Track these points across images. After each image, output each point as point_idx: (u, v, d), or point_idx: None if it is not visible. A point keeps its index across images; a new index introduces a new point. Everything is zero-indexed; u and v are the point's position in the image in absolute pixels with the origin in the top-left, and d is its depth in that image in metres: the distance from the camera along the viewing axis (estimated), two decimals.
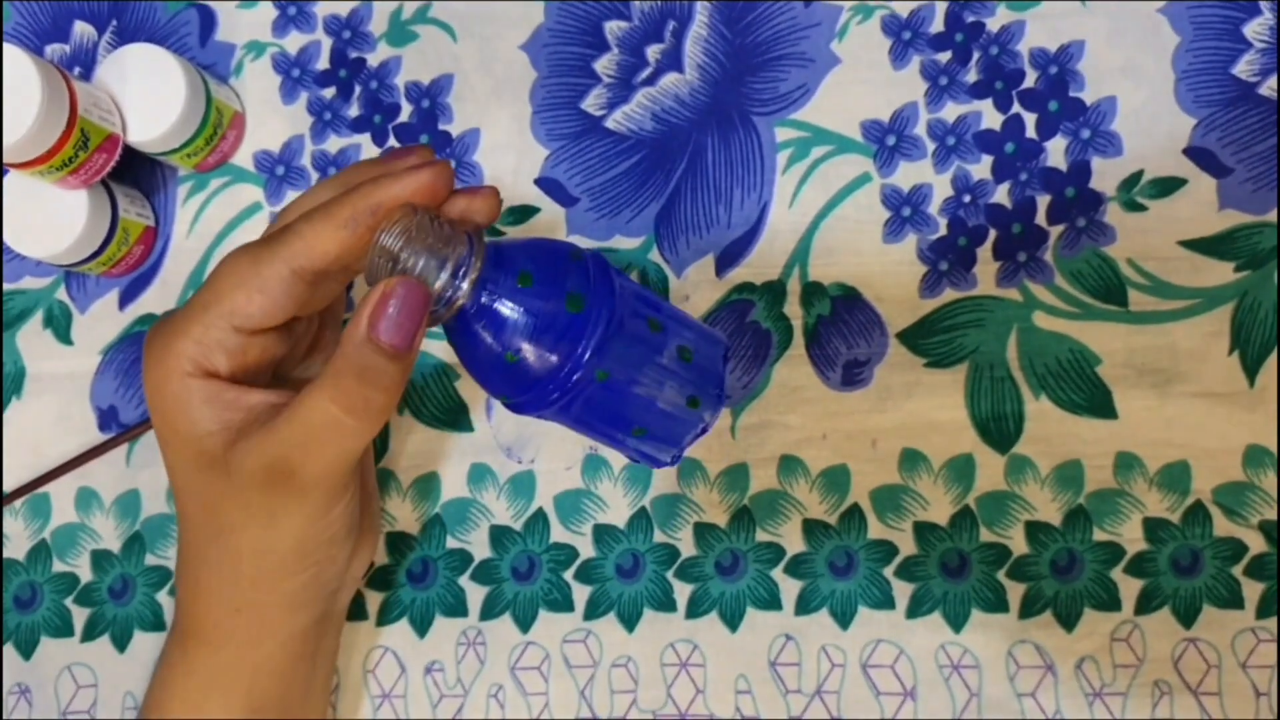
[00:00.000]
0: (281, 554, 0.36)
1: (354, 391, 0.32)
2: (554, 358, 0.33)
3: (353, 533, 0.38)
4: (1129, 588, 0.40)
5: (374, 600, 0.46)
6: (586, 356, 0.33)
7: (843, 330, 0.43)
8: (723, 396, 0.38)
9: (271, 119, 0.50)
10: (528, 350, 0.33)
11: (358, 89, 0.49)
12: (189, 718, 0.38)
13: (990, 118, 0.43)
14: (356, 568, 0.41)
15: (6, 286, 0.52)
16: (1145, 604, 0.40)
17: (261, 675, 0.39)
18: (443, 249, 0.32)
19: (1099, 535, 0.41)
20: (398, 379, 0.33)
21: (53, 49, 0.53)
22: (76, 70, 0.53)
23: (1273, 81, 0.41)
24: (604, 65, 0.47)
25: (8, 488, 0.50)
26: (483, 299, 0.33)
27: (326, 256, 0.33)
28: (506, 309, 0.33)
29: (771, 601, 0.43)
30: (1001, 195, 0.43)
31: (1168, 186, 0.41)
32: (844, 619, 0.42)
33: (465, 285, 0.32)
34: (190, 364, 0.35)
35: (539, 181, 0.47)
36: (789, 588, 0.43)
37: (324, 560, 0.38)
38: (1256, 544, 0.39)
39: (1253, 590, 0.39)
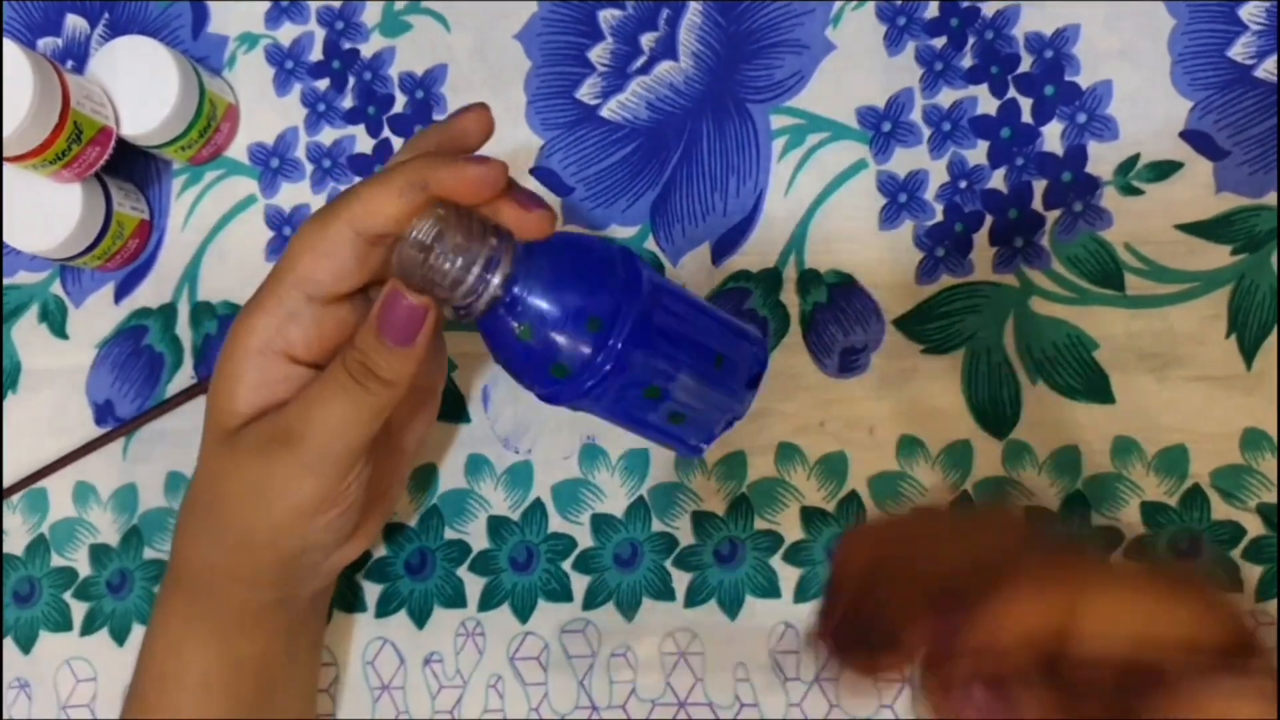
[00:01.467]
0: (264, 529, 0.36)
1: (359, 372, 0.34)
2: (585, 350, 0.33)
3: (343, 528, 0.38)
4: None
5: (372, 592, 0.46)
6: (618, 347, 0.33)
7: (839, 317, 0.43)
8: (755, 385, 0.38)
9: (265, 111, 0.50)
10: (559, 343, 0.33)
11: (351, 80, 0.49)
12: (168, 656, 0.39)
13: (986, 103, 0.43)
14: (336, 561, 0.41)
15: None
16: None
17: (236, 635, 0.39)
18: (472, 247, 0.32)
19: (1097, 520, 0.41)
20: (399, 370, 0.34)
21: (45, 42, 0.53)
22: (69, 63, 0.52)
23: (1269, 63, 0.41)
24: (598, 54, 0.47)
25: (5, 483, 0.50)
26: (512, 295, 0.33)
27: (386, 220, 0.33)
28: (536, 304, 0.33)
29: (770, 589, 0.43)
30: (998, 180, 0.43)
31: (1164, 170, 0.41)
32: None
33: (495, 281, 0.32)
34: (260, 339, 0.35)
35: (534, 171, 0.47)
36: (788, 575, 0.43)
37: (304, 544, 0.37)
38: (1255, 527, 0.39)
39: (1251, 573, 0.39)
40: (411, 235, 0.32)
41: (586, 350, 0.33)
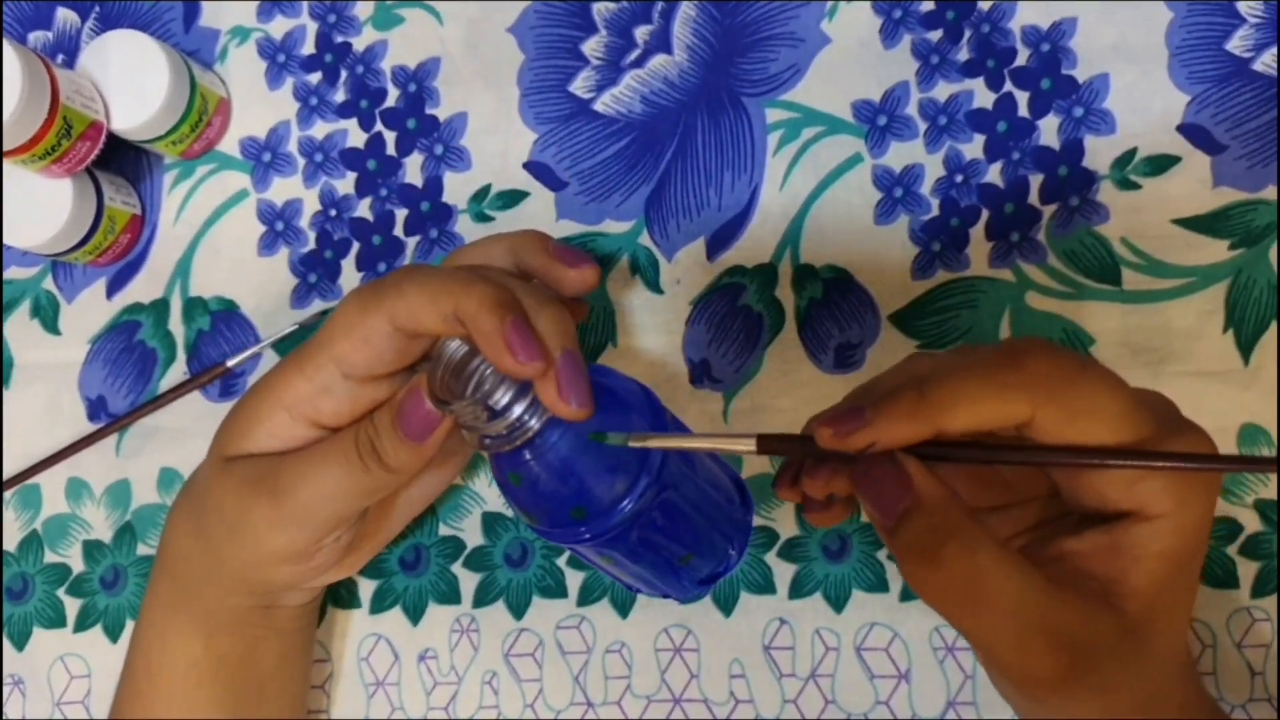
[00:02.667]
0: (233, 556, 0.36)
1: (366, 451, 0.34)
2: (591, 509, 0.33)
3: (313, 576, 0.38)
4: None
5: (367, 588, 0.46)
6: (627, 510, 0.33)
7: (835, 313, 0.43)
8: (742, 546, 0.40)
9: (257, 105, 0.50)
10: (581, 490, 0.33)
11: (344, 74, 0.49)
12: (155, 644, 0.39)
13: (982, 96, 0.43)
14: (317, 584, 0.41)
15: None
16: None
17: (216, 631, 0.39)
18: (515, 393, 0.32)
19: None
20: (405, 461, 0.34)
21: (35, 36, 0.53)
22: (60, 58, 0.52)
23: (1267, 56, 0.41)
24: (592, 47, 0.47)
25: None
26: (545, 441, 0.32)
27: (425, 329, 0.33)
28: (566, 454, 0.33)
29: (765, 585, 0.43)
30: (994, 175, 0.43)
31: (1161, 164, 0.41)
32: (838, 602, 0.42)
33: (534, 426, 0.32)
34: (292, 398, 0.35)
35: (527, 165, 0.47)
36: (783, 572, 0.42)
37: (273, 580, 0.38)
38: (1252, 523, 0.39)
39: (1248, 569, 0.39)
40: (451, 347, 0.32)
41: (591, 510, 0.33)
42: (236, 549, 0.36)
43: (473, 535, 0.45)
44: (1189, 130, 0.41)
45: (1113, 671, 0.29)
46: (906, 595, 0.41)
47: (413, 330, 0.33)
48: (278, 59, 0.50)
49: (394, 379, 0.36)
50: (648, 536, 0.35)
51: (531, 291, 0.33)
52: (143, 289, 0.50)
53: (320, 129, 0.49)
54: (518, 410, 0.32)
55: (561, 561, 0.44)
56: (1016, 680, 0.30)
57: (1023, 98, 0.43)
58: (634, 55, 0.46)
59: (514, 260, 0.37)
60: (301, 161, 0.49)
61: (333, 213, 0.48)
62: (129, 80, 0.46)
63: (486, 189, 0.47)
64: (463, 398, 0.32)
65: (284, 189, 0.49)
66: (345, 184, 0.48)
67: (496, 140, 0.47)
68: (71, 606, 0.49)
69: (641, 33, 0.46)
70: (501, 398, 0.32)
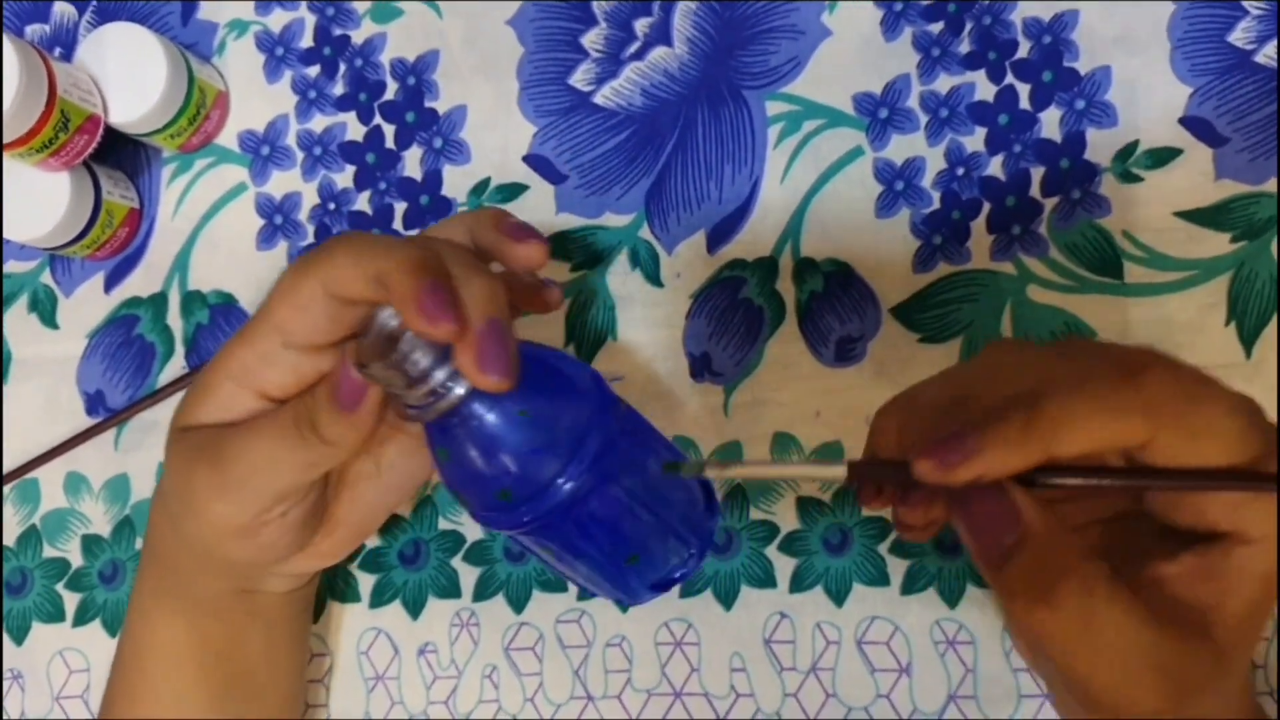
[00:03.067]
0: (191, 531, 0.36)
1: (303, 423, 0.33)
2: (516, 492, 0.32)
3: (268, 557, 0.37)
4: None
5: (366, 582, 0.46)
6: (556, 497, 0.32)
7: (836, 306, 0.43)
8: (702, 551, 0.38)
9: (255, 98, 0.50)
10: (508, 470, 0.32)
11: (342, 67, 0.49)
12: (142, 627, 0.39)
13: (983, 89, 0.43)
14: (294, 571, 0.40)
15: None
16: None
17: (200, 616, 0.39)
18: (438, 351, 0.31)
19: None
20: (340, 434, 0.33)
21: (33, 29, 0.52)
22: (57, 51, 0.52)
23: (1269, 48, 0.40)
24: (592, 40, 0.46)
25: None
26: (471, 409, 0.31)
27: (353, 295, 0.32)
28: (494, 425, 0.31)
29: (766, 579, 0.42)
30: (995, 168, 0.42)
31: (1163, 157, 0.41)
32: (839, 596, 0.42)
33: (458, 391, 0.31)
34: (238, 368, 0.34)
35: (527, 158, 0.46)
36: (783, 565, 0.42)
37: (231, 556, 0.37)
38: None
39: None
40: (381, 317, 0.32)
41: (532, 485, 0.32)
42: (188, 521, 0.36)
43: (472, 529, 0.45)
44: (1191, 123, 0.41)
45: (1207, 700, 0.28)
46: (907, 589, 0.41)
47: (342, 295, 0.32)
48: (276, 52, 0.50)
49: (338, 350, 0.35)
50: (586, 529, 0.34)
51: (467, 262, 0.32)
52: (141, 283, 0.50)
53: (319, 122, 0.49)
54: (438, 377, 0.31)
55: None
56: (1113, 713, 0.28)
57: (1024, 90, 0.42)
58: (634, 48, 0.46)
59: (471, 238, 0.37)
60: (300, 155, 0.49)
61: (331, 206, 0.48)
62: (127, 73, 0.46)
63: (486, 182, 0.47)
64: (400, 369, 0.31)
65: (283, 182, 0.49)
66: (344, 177, 0.48)
67: (496, 133, 0.47)
68: (70, 601, 0.49)
69: (641, 25, 0.46)
70: (419, 361, 0.30)
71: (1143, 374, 0.27)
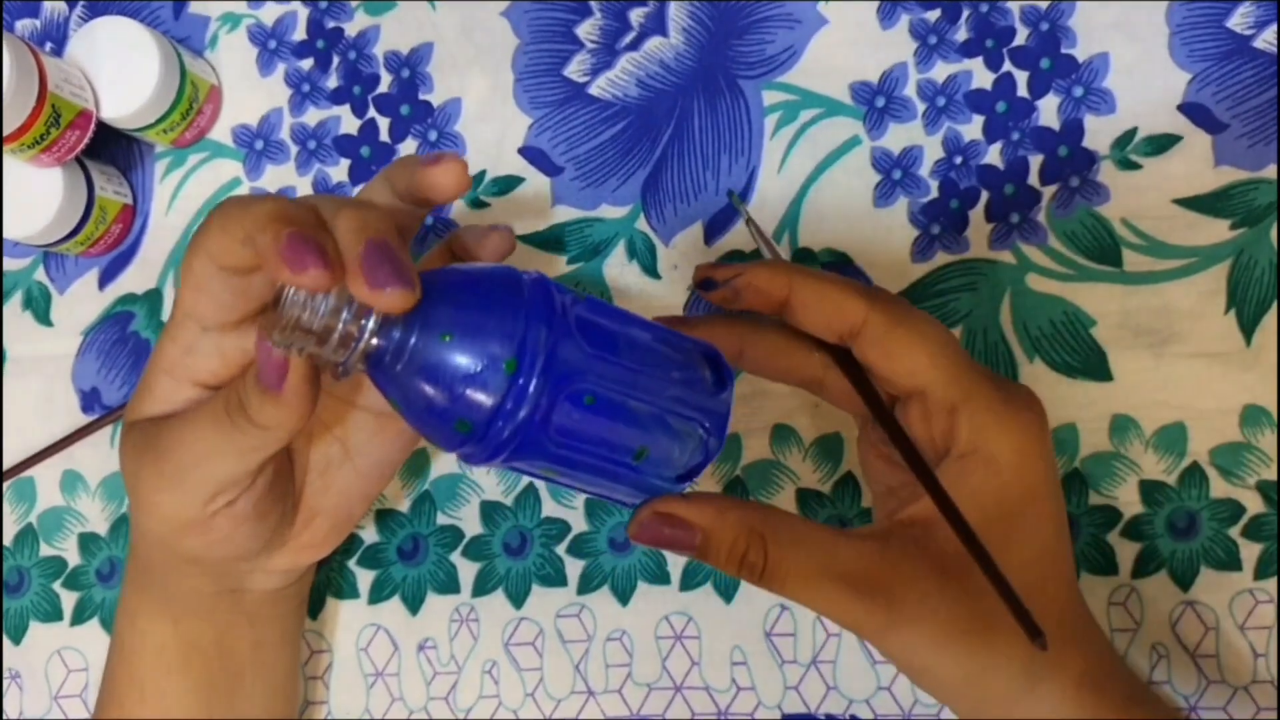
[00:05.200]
0: (152, 528, 0.36)
1: (234, 408, 0.32)
2: (490, 396, 0.29)
3: (229, 551, 0.36)
4: (1126, 551, 0.40)
5: (365, 578, 0.46)
6: (529, 387, 0.29)
7: None
8: (719, 429, 0.34)
9: (249, 92, 0.49)
10: (453, 400, 0.29)
11: (336, 59, 0.48)
12: (128, 627, 0.39)
13: (981, 77, 0.43)
14: (275, 567, 0.40)
15: None
16: (1142, 567, 0.40)
17: (183, 615, 0.38)
18: (338, 295, 0.29)
19: (1095, 499, 0.40)
20: (271, 415, 0.31)
21: (23, 24, 0.52)
22: (48, 45, 0.52)
23: (1268, 34, 0.40)
24: (586, 30, 0.46)
25: None
26: (394, 344, 0.29)
27: (233, 260, 0.30)
28: (423, 349, 0.29)
29: None
30: (993, 156, 0.42)
31: (1162, 144, 0.41)
32: None
33: (369, 326, 0.29)
34: (168, 361, 0.33)
35: (523, 151, 0.46)
36: None
37: (193, 553, 0.36)
38: (1254, 505, 0.39)
39: (1250, 551, 0.39)
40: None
41: (489, 402, 0.29)
42: (141, 517, 0.35)
43: (471, 524, 0.45)
44: (1190, 109, 0.41)
45: (933, 603, 0.32)
46: None
47: (227, 265, 0.31)
48: (269, 45, 0.49)
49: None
50: (571, 440, 0.31)
51: (339, 202, 0.31)
52: (135, 279, 0.49)
53: (313, 116, 0.49)
54: (344, 320, 0.29)
55: (561, 549, 0.44)
56: (857, 633, 0.35)
57: (1022, 77, 0.42)
58: (629, 38, 0.46)
59: (393, 192, 0.35)
60: (294, 149, 0.49)
61: None
62: (118, 68, 0.46)
63: (482, 175, 0.46)
64: (305, 327, 0.29)
65: (277, 177, 0.49)
66: (339, 171, 0.48)
67: (491, 126, 0.47)
68: (68, 600, 0.48)
69: (636, 15, 0.46)
70: (318, 310, 0.28)
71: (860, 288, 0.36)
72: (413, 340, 0.29)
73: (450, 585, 0.45)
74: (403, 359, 0.29)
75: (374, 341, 0.29)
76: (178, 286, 0.48)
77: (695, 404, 0.33)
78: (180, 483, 0.33)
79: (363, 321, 0.29)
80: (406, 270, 0.28)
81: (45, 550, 0.49)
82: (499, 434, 0.29)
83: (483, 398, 0.29)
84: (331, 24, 0.49)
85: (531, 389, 0.29)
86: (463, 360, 0.29)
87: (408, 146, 0.47)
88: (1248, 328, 0.39)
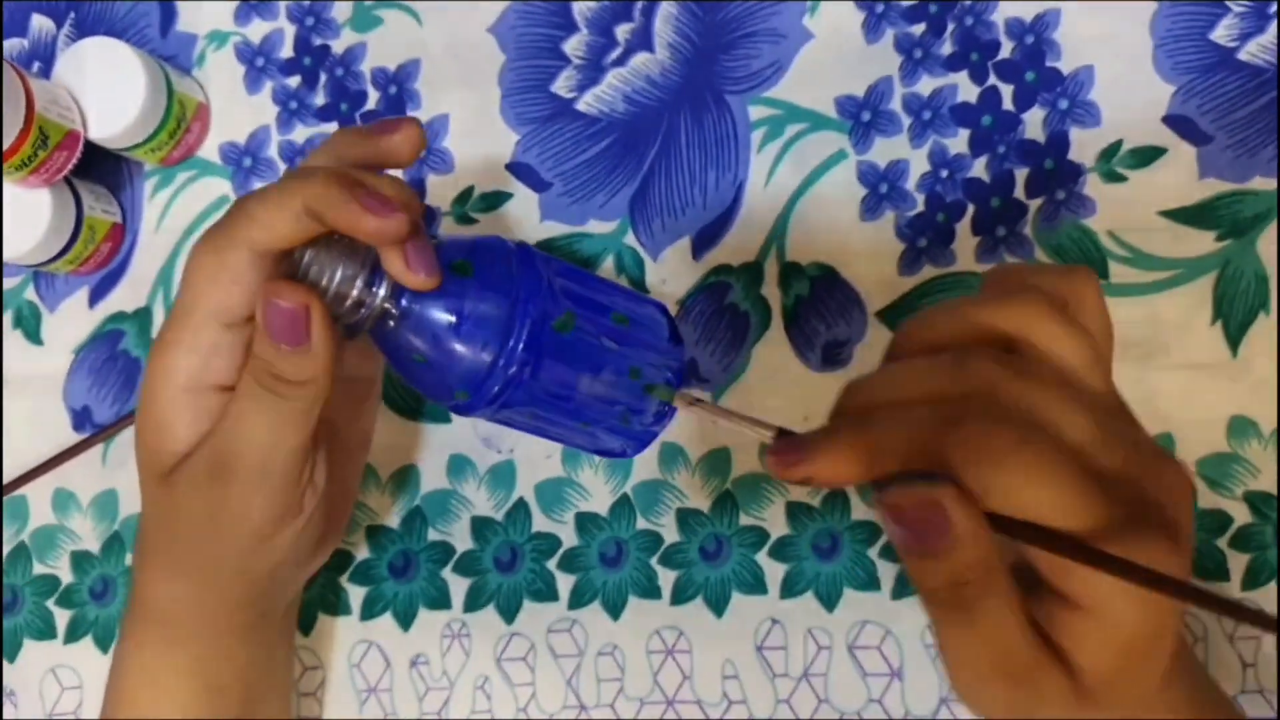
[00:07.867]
0: (230, 557, 0.36)
1: (268, 381, 0.33)
2: (485, 356, 0.33)
3: (310, 537, 0.37)
4: None
5: (357, 595, 0.46)
6: (519, 348, 0.33)
7: (821, 310, 0.43)
8: (677, 376, 0.37)
9: (236, 110, 0.49)
10: (456, 351, 0.33)
11: (323, 77, 0.49)
12: (143, 687, 0.38)
13: (966, 90, 0.43)
14: (308, 570, 0.40)
15: None
16: None
17: (214, 660, 0.38)
18: (355, 261, 0.32)
19: None
20: (306, 369, 0.32)
21: (11, 44, 0.52)
22: (36, 66, 0.52)
23: (1252, 46, 0.40)
24: (573, 46, 0.46)
25: None
26: (402, 308, 0.32)
27: (284, 240, 0.32)
28: (428, 314, 0.32)
29: (756, 585, 0.42)
30: (979, 169, 0.42)
31: (1147, 156, 0.41)
32: (829, 601, 0.42)
33: (381, 294, 0.32)
34: (187, 378, 0.34)
35: (510, 166, 0.46)
36: (774, 571, 0.42)
37: (272, 563, 0.36)
38: (1241, 515, 0.39)
39: (1238, 562, 0.39)
40: (295, 256, 0.32)
41: (485, 357, 0.33)
42: (229, 542, 0.35)
43: (462, 540, 0.45)
44: (1174, 121, 0.41)
45: None
46: (898, 593, 0.41)
47: (273, 246, 0.32)
48: (256, 63, 0.49)
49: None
50: (559, 386, 0.34)
51: (364, 171, 0.32)
52: (125, 298, 0.50)
53: (301, 133, 0.49)
54: (354, 290, 0.32)
55: (552, 564, 0.44)
56: (972, 710, 0.29)
57: (1007, 91, 0.42)
58: (615, 54, 0.46)
59: (340, 164, 0.35)
60: (282, 166, 0.49)
61: None
62: (105, 88, 0.46)
63: (469, 191, 0.47)
64: (321, 290, 0.32)
65: None
66: None
67: (478, 142, 0.47)
68: (61, 618, 0.48)
69: (623, 31, 0.46)
70: (333, 281, 0.32)
71: (962, 422, 0.26)
72: (418, 306, 0.32)
73: (442, 601, 0.45)
74: (409, 322, 0.33)
75: (385, 307, 0.32)
76: (167, 305, 0.49)
77: (660, 349, 0.37)
78: (265, 479, 0.34)
79: (374, 288, 0.32)
80: (431, 252, 0.32)
81: (38, 569, 0.49)
82: (491, 388, 0.33)
83: (482, 355, 0.33)
84: (318, 41, 0.49)
85: (521, 347, 0.33)
86: (462, 324, 0.33)
87: None
88: (1234, 339, 0.40)
